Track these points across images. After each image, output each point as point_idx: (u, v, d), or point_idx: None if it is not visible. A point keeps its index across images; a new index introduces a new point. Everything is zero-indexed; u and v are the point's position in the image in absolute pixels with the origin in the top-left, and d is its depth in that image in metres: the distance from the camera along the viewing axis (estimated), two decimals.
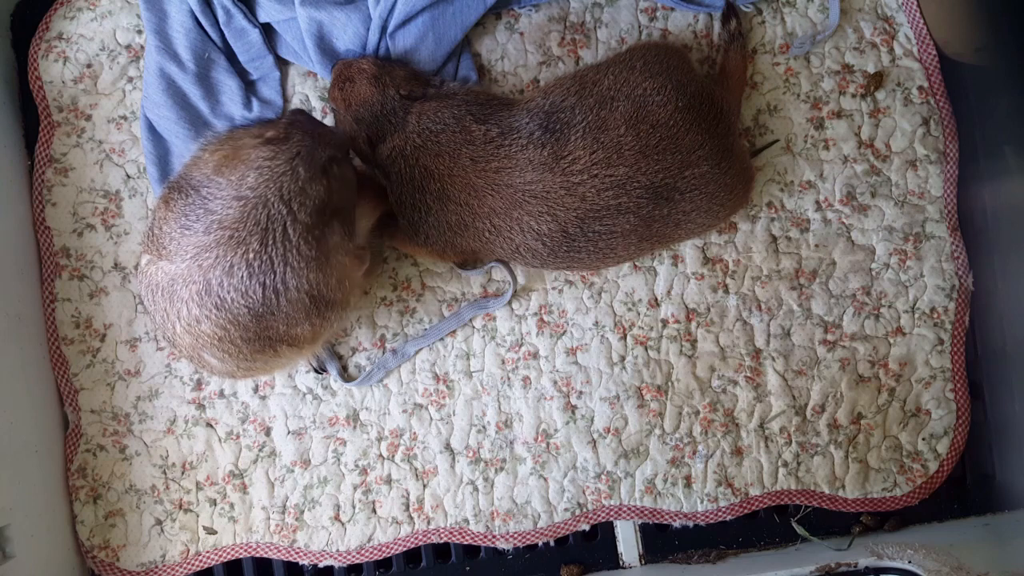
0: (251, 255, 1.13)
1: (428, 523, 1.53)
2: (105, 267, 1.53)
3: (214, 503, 1.53)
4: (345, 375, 1.53)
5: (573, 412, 1.53)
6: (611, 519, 1.54)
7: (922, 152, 1.53)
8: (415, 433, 1.53)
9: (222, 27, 1.48)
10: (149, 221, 1.22)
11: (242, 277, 1.14)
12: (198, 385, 1.53)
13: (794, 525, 1.54)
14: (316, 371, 1.51)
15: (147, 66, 1.48)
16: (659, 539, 1.55)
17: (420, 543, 1.53)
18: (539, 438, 1.53)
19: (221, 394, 1.53)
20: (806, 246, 1.53)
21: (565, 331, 1.53)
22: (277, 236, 1.13)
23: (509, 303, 1.52)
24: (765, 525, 1.55)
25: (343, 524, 1.53)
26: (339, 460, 1.53)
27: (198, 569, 1.53)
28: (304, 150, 1.15)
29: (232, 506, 1.53)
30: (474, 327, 1.53)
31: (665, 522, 1.54)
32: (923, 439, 1.53)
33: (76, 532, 1.51)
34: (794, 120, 1.53)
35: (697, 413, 1.53)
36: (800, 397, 1.53)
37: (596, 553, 1.55)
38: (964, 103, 1.52)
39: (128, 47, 1.53)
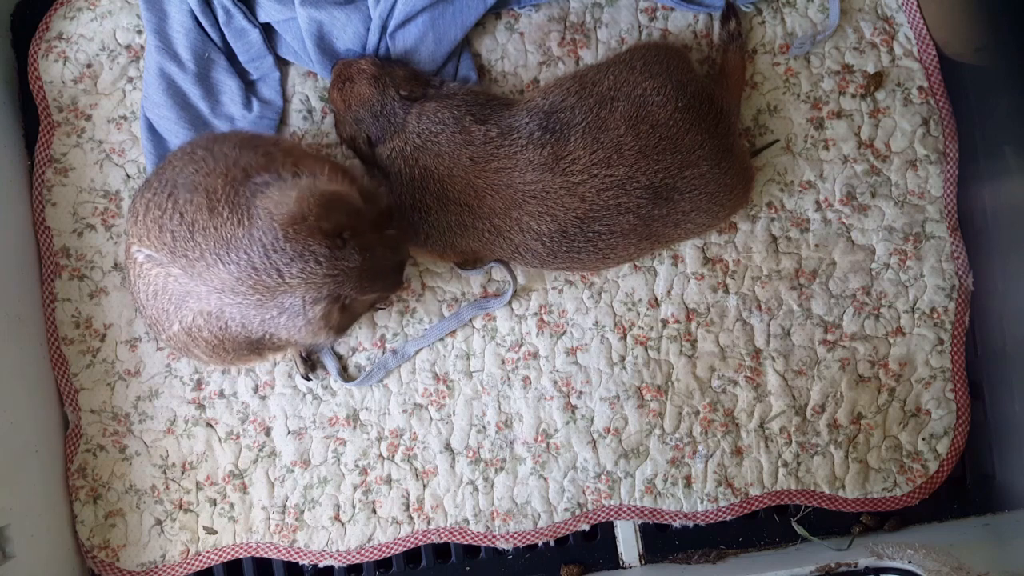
0: (267, 316, 1.19)
1: (428, 523, 1.53)
2: (105, 267, 1.53)
3: (214, 503, 1.53)
4: (345, 375, 1.53)
5: (573, 412, 1.53)
6: (611, 519, 1.54)
7: (922, 152, 1.53)
8: (415, 433, 1.53)
9: (222, 27, 1.48)
10: (164, 214, 1.19)
11: (253, 324, 1.21)
12: (198, 385, 1.53)
13: (794, 525, 1.54)
14: (304, 377, 1.51)
15: (147, 66, 1.48)
16: (659, 539, 1.55)
17: (420, 543, 1.53)
18: (539, 438, 1.53)
19: (221, 394, 1.53)
20: (806, 246, 1.53)
21: (565, 331, 1.53)
22: (294, 314, 1.19)
23: (509, 303, 1.52)
24: (765, 525, 1.55)
25: (343, 524, 1.53)
26: (339, 460, 1.53)
27: (198, 569, 1.53)
28: (335, 288, 1.19)
29: (232, 506, 1.53)
30: (474, 327, 1.53)
31: (665, 522, 1.54)
32: (923, 439, 1.53)
33: (76, 532, 1.51)
34: (794, 120, 1.53)
35: (697, 413, 1.53)
36: (800, 397, 1.53)
37: (596, 553, 1.55)
38: (964, 103, 1.52)
39: (128, 47, 1.53)
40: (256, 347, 1.28)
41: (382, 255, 1.23)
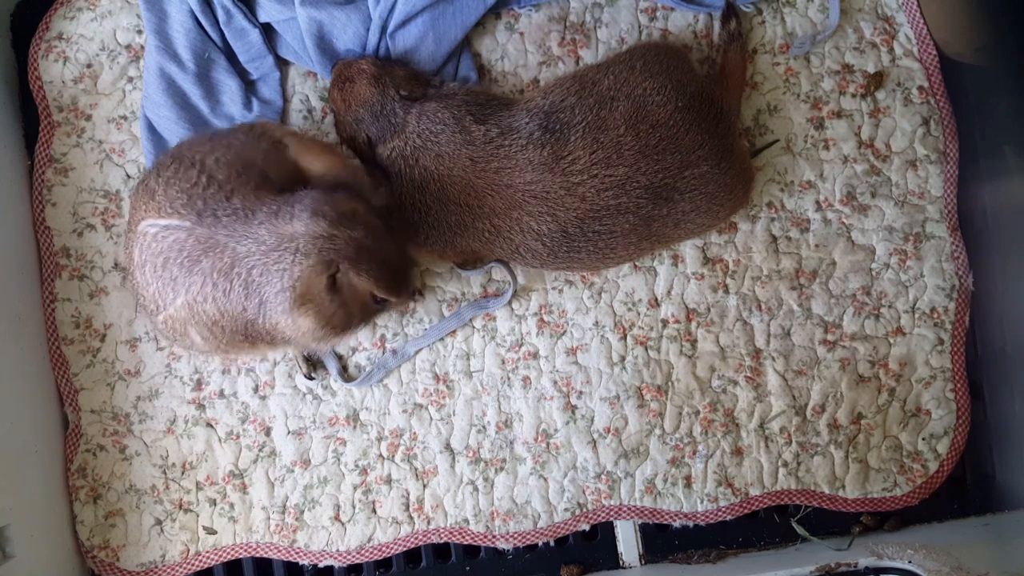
0: (266, 264, 1.19)
1: (428, 523, 1.53)
2: (105, 267, 1.53)
3: (214, 503, 1.53)
4: (345, 375, 1.54)
5: (573, 412, 1.53)
6: (611, 519, 1.54)
7: (922, 152, 1.53)
8: (415, 433, 1.53)
9: (222, 27, 1.48)
10: (196, 185, 1.22)
11: (253, 281, 1.20)
12: (198, 385, 1.53)
13: (794, 525, 1.54)
14: (306, 376, 1.51)
15: (147, 66, 1.48)
16: (659, 539, 1.55)
17: (420, 543, 1.53)
18: (539, 438, 1.53)
19: (221, 394, 1.53)
20: (806, 246, 1.53)
21: (565, 331, 1.53)
22: (282, 269, 1.19)
23: (509, 303, 1.52)
24: (765, 525, 1.55)
25: (343, 524, 1.53)
26: (339, 460, 1.53)
27: (198, 569, 1.53)
28: (330, 249, 1.18)
29: (232, 506, 1.53)
30: (474, 327, 1.53)
31: (665, 522, 1.54)
32: (923, 439, 1.53)
33: (76, 532, 1.51)
34: (794, 120, 1.53)
35: (697, 413, 1.53)
36: (800, 397, 1.53)
37: (596, 553, 1.55)
38: (964, 103, 1.52)
39: (128, 47, 1.53)
40: (248, 333, 1.25)
41: (388, 245, 1.24)
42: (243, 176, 1.24)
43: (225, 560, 1.53)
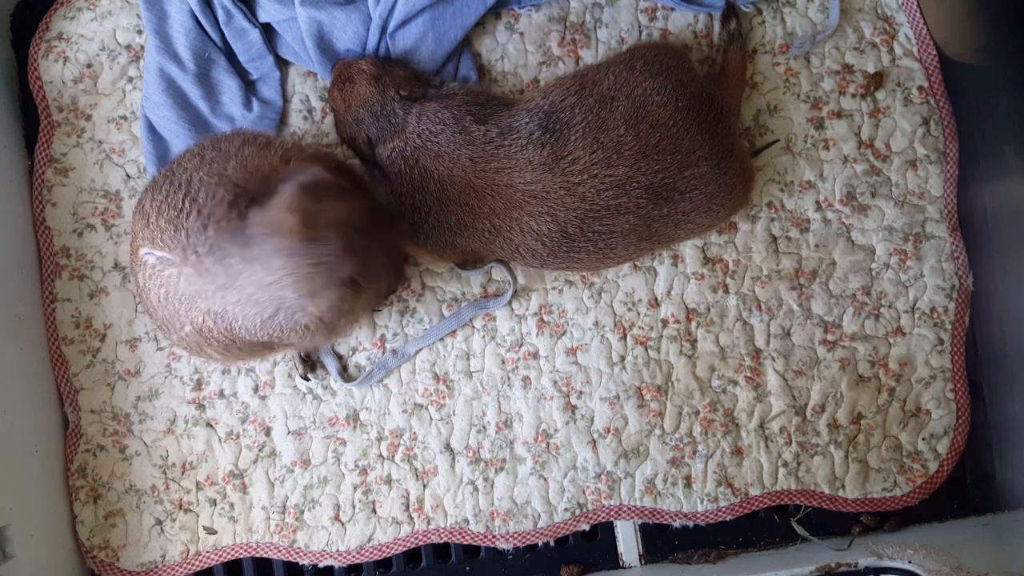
0: (265, 315, 1.18)
1: (428, 523, 1.53)
2: (105, 267, 1.53)
3: (214, 503, 1.53)
4: (345, 375, 1.54)
5: (573, 412, 1.53)
6: (611, 519, 1.54)
7: (922, 152, 1.53)
8: (415, 433, 1.53)
9: (222, 27, 1.48)
10: (181, 213, 1.18)
11: (255, 325, 1.20)
12: (198, 385, 1.53)
13: (794, 525, 1.54)
14: (303, 378, 1.51)
15: (147, 66, 1.48)
16: (659, 539, 1.55)
17: (420, 543, 1.53)
18: (539, 438, 1.53)
19: (221, 394, 1.53)
20: (806, 246, 1.53)
21: (565, 331, 1.53)
22: (287, 315, 1.17)
23: (509, 303, 1.52)
24: (765, 525, 1.55)
25: (343, 524, 1.53)
26: (339, 460, 1.53)
27: (198, 569, 1.53)
28: (328, 264, 1.14)
29: (232, 506, 1.53)
30: (474, 327, 1.53)
31: (665, 522, 1.54)
32: (923, 439, 1.53)
33: (76, 532, 1.51)
34: (794, 120, 1.53)
35: (697, 413, 1.53)
36: (800, 397, 1.53)
37: (596, 553, 1.55)
38: (964, 103, 1.52)
39: (128, 47, 1.53)
40: (263, 345, 1.27)
41: (361, 211, 1.19)
42: (216, 194, 1.18)
43: (225, 560, 1.53)
